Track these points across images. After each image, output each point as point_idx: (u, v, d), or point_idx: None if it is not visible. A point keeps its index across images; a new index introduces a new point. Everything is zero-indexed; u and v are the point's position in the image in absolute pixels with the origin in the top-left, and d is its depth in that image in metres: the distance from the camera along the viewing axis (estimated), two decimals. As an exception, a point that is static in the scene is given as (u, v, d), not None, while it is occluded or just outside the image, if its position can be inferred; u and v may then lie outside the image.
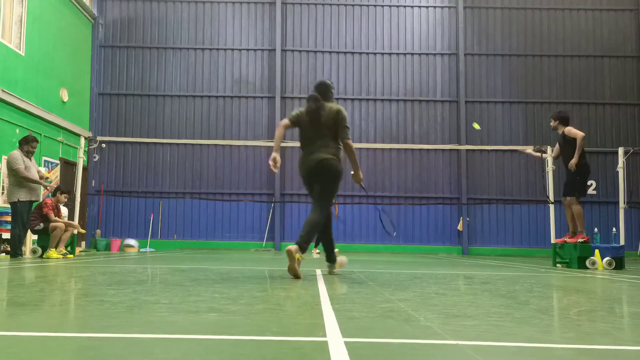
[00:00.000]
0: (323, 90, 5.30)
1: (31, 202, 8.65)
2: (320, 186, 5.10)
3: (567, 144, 8.06)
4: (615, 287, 4.72)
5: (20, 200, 8.38)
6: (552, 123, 8.33)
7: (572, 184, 7.92)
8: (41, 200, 9.50)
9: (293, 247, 4.70)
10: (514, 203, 16.61)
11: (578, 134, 7.87)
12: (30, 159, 8.77)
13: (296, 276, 4.70)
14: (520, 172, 16.79)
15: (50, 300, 3.07)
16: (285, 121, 5.25)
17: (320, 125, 5.14)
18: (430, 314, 2.70)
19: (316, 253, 11.41)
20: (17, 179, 8.40)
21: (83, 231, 10.81)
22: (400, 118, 17.10)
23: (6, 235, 10.22)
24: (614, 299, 3.81)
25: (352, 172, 5.42)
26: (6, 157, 12.00)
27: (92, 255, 10.80)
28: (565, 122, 8.21)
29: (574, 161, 7.79)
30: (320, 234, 5.42)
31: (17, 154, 8.60)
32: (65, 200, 9.28)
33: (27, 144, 8.74)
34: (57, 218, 8.90)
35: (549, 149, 8.92)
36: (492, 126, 17.03)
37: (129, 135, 16.50)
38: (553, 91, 17.21)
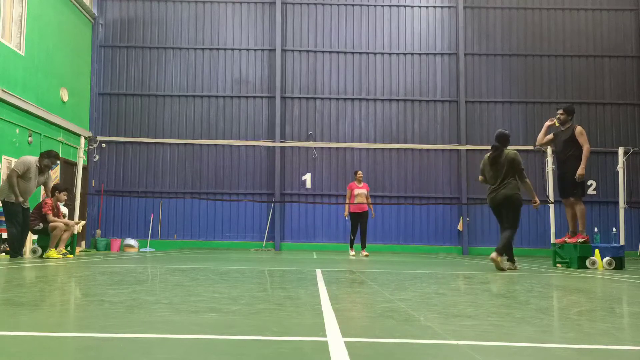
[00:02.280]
0: (502, 140, 7.01)
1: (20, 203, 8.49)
2: (508, 214, 6.90)
3: (572, 142, 7.87)
4: (615, 287, 4.72)
5: (7, 201, 8.27)
6: (562, 116, 8.04)
7: (574, 184, 7.85)
8: (41, 200, 9.46)
9: (494, 254, 6.67)
10: (514, 203, 16.57)
11: (585, 145, 7.81)
12: (43, 174, 8.59)
13: (501, 269, 6.70)
14: (520, 172, 16.76)
15: (50, 300, 3.07)
16: (481, 177, 7.27)
17: (500, 167, 6.89)
18: (430, 314, 2.70)
19: (364, 254, 11.78)
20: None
21: (80, 223, 10.15)
22: (400, 118, 17.10)
23: (6, 235, 10.17)
24: (614, 299, 3.81)
25: (532, 201, 7.20)
26: (6, 157, 12.02)
27: (92, 255, 10.79)
28: (572, 115, 8.14)
29: (580, 172, 7.73)
30: (508, 244, 6.99)
31: (31, 161, 8.42)
32: (65, 198, 9.15)
33: (49, 158, 8.51)
34: (55, 218, 8.84)
35: (548, 148, 8.88)
36: (492, 126, 17.01)
37: (129, 135, 16.49)
38: (553, 91, 17.20)
